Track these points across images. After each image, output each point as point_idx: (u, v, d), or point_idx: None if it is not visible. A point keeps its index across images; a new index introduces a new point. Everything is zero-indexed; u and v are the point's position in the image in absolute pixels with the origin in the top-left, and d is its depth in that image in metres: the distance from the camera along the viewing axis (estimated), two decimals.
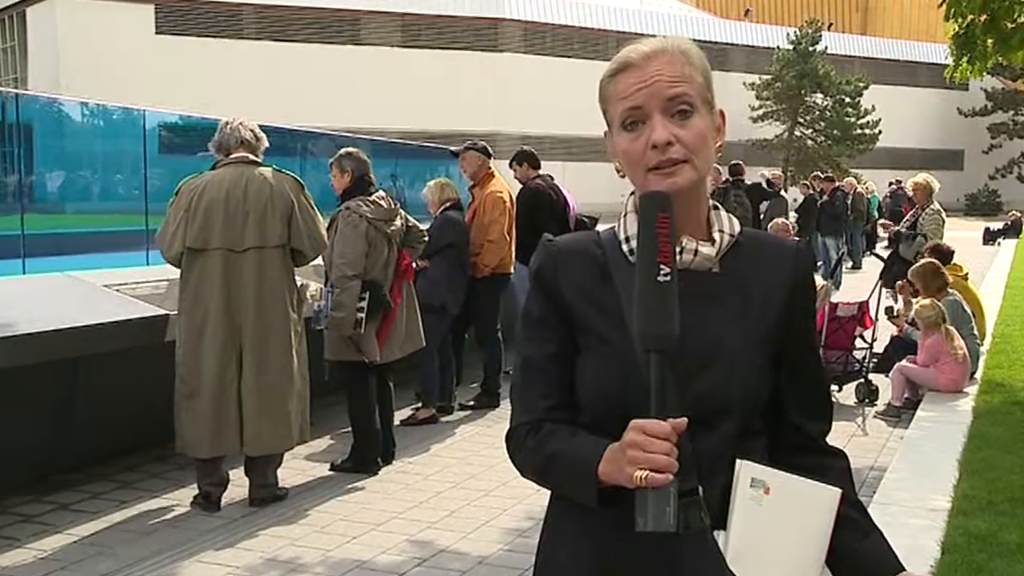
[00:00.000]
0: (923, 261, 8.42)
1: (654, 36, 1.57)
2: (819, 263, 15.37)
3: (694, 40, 1.56)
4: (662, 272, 1.34)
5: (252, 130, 5.36)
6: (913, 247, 9.62)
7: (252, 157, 5.30)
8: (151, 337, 5.59)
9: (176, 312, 5.30)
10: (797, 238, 15.26)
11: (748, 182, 13.88)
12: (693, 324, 1.42)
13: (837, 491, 1.45)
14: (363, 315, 5.80)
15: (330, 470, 6.05)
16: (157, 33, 40.65)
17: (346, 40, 44.24)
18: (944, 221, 9.92)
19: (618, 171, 1.58)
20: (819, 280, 10.49)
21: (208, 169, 5.31)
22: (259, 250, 5.15)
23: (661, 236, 1.35)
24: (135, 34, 39.23)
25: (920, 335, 7.72)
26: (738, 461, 1.44)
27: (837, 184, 18.01)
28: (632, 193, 1.58)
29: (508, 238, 7.69)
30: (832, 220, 16.57)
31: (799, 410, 1.61)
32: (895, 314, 8.61)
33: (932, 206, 9.84)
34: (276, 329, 5.21)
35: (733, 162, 13.02)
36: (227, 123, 5.34)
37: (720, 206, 1.59)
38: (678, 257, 1.45)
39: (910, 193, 10.66)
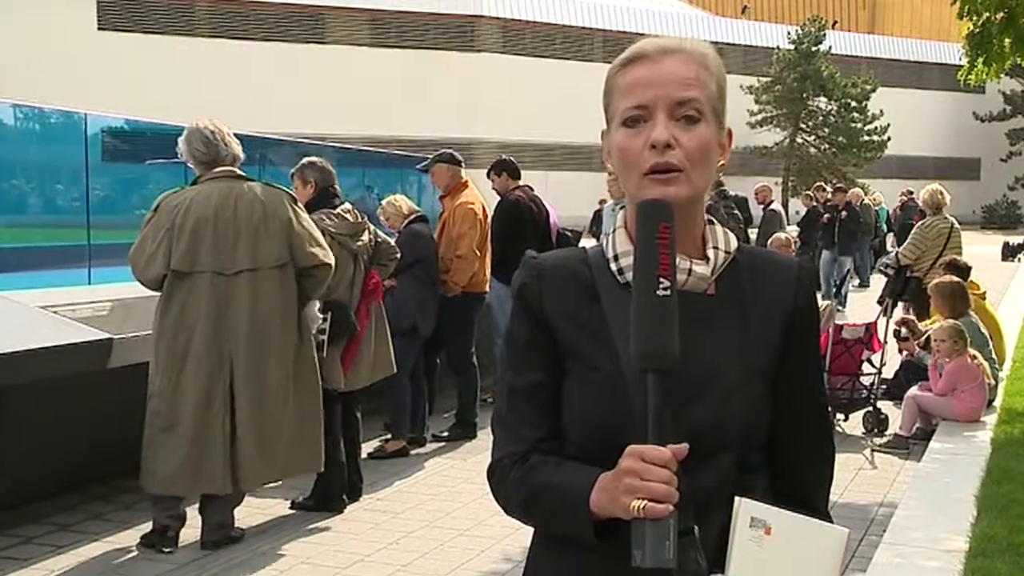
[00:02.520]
0: (946, 278, 8.40)
1: (644, 35, 1.59)
2: (825, 282, 15.39)
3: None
4: (662, 286, 1.35)
5: (238, 142, 5.37)
6: (882, 261, 9.74)
7: (239, 171, 5.28)
8: (93, 363, 5.54)
9: (151, 337, 5.24)
10: (808, 254, 15.40)
11: (732, 193, 13.84)
12: (687, 350, 1.42)
13: (844, 531, 1.45)
14: (324, 337, 5.79)
15: (291, 508, 6.01)
16: (100, 29, 40.55)
17: (309, 38, 44.28)
18: (929, 236, 9.69)
19: (610, 174, 1.60)
20: (821, 300, 10.58)
21: (189, 184, 5.28)
22: (253, 272, 5.12)
23: (661, 247, 1.36)
24: (75, 30, 39.11)
25: (935, 359, 7.68)
26: (737, 499, 1.45)
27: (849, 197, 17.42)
28: (622, 207, 1.59)
29: (479, 253, 7.70)
30: (849, 236, 16.33)
31: (796, 447, 1.61)
32: (903, 336, 8.64)
33: (926, 220, 9.82)
34: (274, 359, 5.18)
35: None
36: (212, 132, 5.26)
37: (715, 221, 1.60)
38: None
39: (922, 205, 10.70)
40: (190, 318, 5.05)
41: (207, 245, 5.05)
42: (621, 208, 1.62)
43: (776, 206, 16.83)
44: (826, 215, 16.48)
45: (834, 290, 14.07)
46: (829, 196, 17.73)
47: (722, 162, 1.56)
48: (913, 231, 9.90)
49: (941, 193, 9.86)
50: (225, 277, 5.08)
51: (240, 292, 5.10)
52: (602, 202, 21.14)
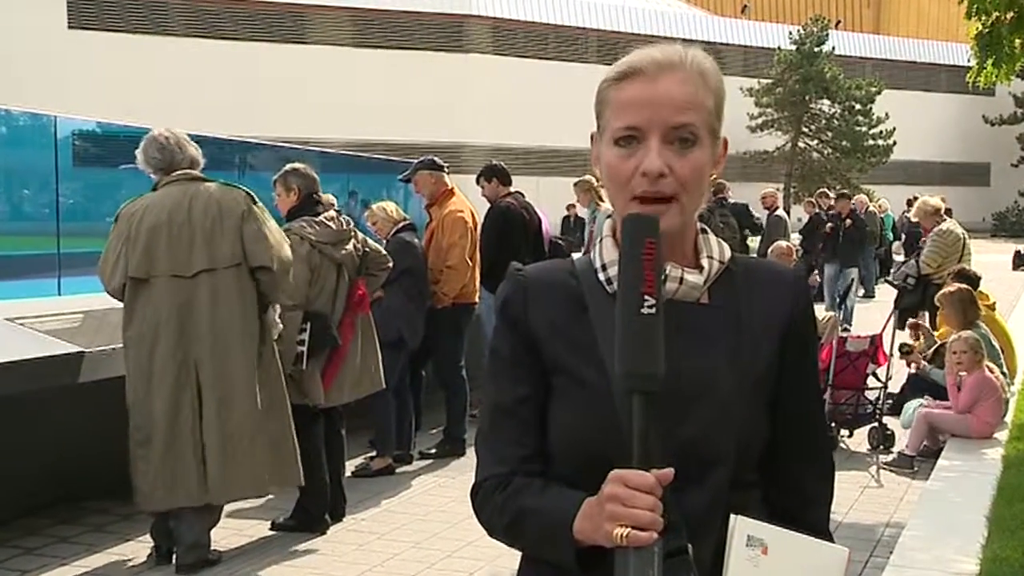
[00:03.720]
0: (954, 286, 8.41)
1: (640, 36, 1.60)
2: (831, 297, 15.08)
3: (686, 40, 1.59)
4: (647, 304, 1.35)
5: (196, 146, 5.44)
6: (902, 270, 9.76)
7: (195, 173, 5.35)
8: (63, 378, 5.54)
9: (120, 348, 5.28)
10: (810, 262, 15.38)
11: (731, 201, 13.81)
12: (679, 362, 1.43)
13: (845, 550, 1.46)
14: (303, 348, 5.81)
15: (271, 529, 6.00)
16: (70, 28, 40.45)
17: (289, 38, 44.26)
18: (948, 242, 9.81)
19: (597, 180, 1.61)
20: (824, 311, 10.60)
21: (149, 191, 5.34)
22: (210, 273, 5.19)
23: (646, 263, 1.36)
24: (44, 29, 39.03)
25: (954, 373, 7.57)
26: (732, 517, 1.45)
27: (854, 204, 16.76)
28: (609, 216, 1.60)
29: (470, 263, 7.71)
30: (853, 247, 15.52)
31: (794, 462, 1.62)
32: (908, 350, 8.65)
33: (940, 227, 9.90)
34: (238, 360, 5.23)
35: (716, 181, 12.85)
36: (166, 138, 5.34)
37: (708, 230, 1.61)
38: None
39: (921, 220, 10.69)
40: (151, 325, 5.11)
41: (162, 249, 5.13)
42: (608, 217, 1.63)
43: (781, 212, 16.81)
44: (828, 224, 15.81)
45: (837, 301, 14.04)
46: (832, 203, 17.57)
47: (714, 175, 1.57)
48: (931, 238, 9.91)
49: (931, 200, 10.01)
50: (183, 280, 5.15)
51: (200, 294, 5.17)
52: (570, 207, 21.19)
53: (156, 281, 5.13)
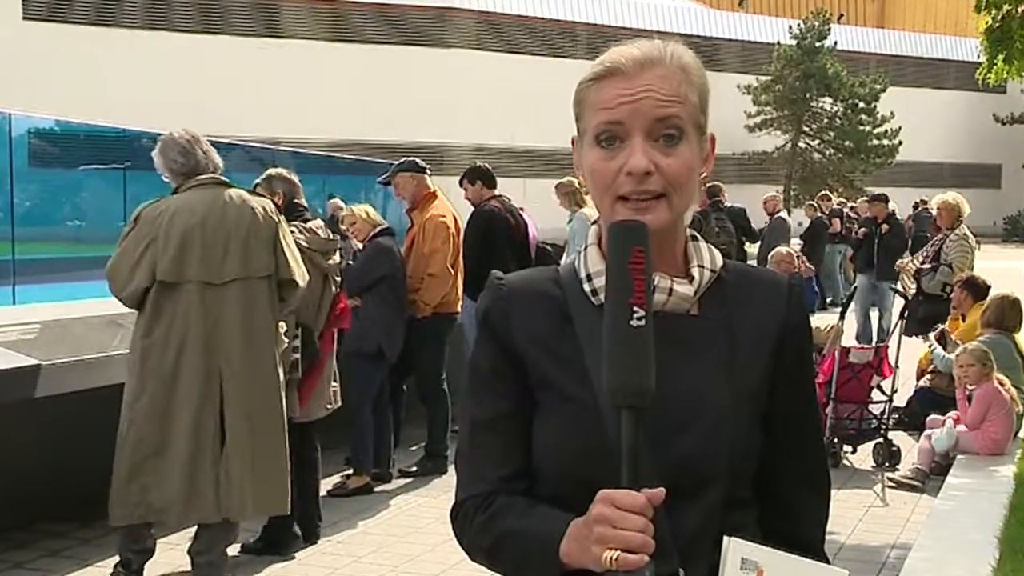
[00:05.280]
0: (1003, 292, 8.57)
1: (632, 30, 1.60)
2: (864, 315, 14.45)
3: (680, 35, 1.59)
4: (636, 315, 1.35)
5: (215, 150, 5.48)
6: (937, 279, 9.77)
7: (222, 178, 5.39)
8: (17, 392, 5.50)
9: (93, 363, 5.22)
10: (812, 268, 15.35)
11: (727, 204, 13.67)
12: (669, 376, 1.43)
13: (845, 573, 1.46)
14: (298, 356, 5.90)
15: (239, 552, 5.99)
16: (25, 19, 40.30)
17: (262, 32, 44.24)
18: (973, 248, 10.06)
19: (581, 187, 1.61)
20: (825, 319, 10.59)
21: (169, 194, 5.33)
22: (244, 281, 5.21)
23: (635, 273, 1.36)
24: None
25: (962, 387, 7.62)
26: (725, 538, 1.45)
27: (892, 209, 14.82)
28: (595, 222, 1.60)
29: (452, 271, 7.71)
30: (892, 256, 13.48)
31: (789, 479, 1.62)
32: (931, 367, 8.63)
33: (959, 230, 9.99)
34: (266, 372, 5.27)
35: (710, 183, 12.48)
36: (188, 140, 5.35)
37: (699, 236, 1.61)
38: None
39: (935, 214, 10.81)
40: (178, 333, 5.09)
41: (195, 254, 5.11)
42: (594, 223, 1.63)
43: (784, 214, 16.72)
44: (862, 229, 14.65)
45: (876, 328, 13.69)
46: (834, 206, 17.33)
47: (704, 174, 1.58)
48: (956, 241, 9.95)
49: (963, 202, 10.04)
50: (214, 287, 5.15)
51: (231, 303, 5.18)
52: None
53: (186, 287, 5.11)
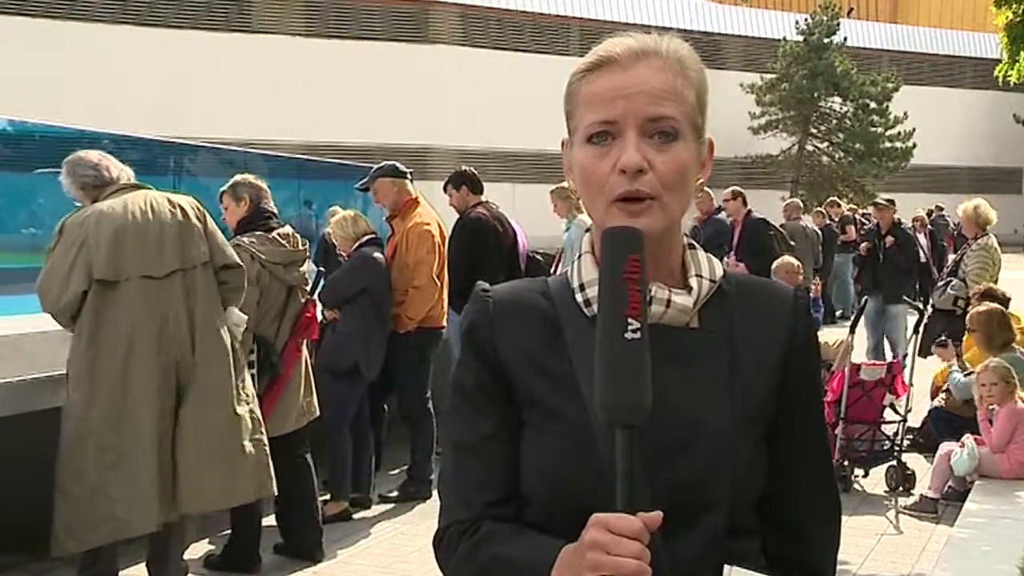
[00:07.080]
0: (985, 306, 8.45)
1: (628, 26, 1.61)
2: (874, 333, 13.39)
3: (679, 31, 1.60)
4: (631, 328, 1.36)
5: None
6: (948, 293, 9.72)
7: (138, 182, 5.51)
8: None
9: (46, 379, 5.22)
10: (818, 281, 15.35)
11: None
12: (666, 394, 1.44)
13: None
14: (254, 371, 5.93)
15: (204, 567, 6.00)
16: None
17: (232, 26, 44.23)
18: (997, 261, 9.98)
19: (572, 194, 1.62)
20: (834, 334, 10.58)
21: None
22: (183, 272, 5.33)
23: (630, 283, 1.37)
24: None
25: (984, 408, 7.53)
26: (726, 568, 1.46)
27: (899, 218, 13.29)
28: (588, 230, 1.61)
29: (438, 283, 7.70)
30: (899, 276, 12.37)
31: (796, 503, 1.62)
32: (943, 385, 8.60)
33: (982, 240, 9.96)
34: (216, 357, 5.36)
35: (732, 188, 11.88)
36: (98, 156, 5.48)
37: (697, 245, 1.62)
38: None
39: (955, 222, 10.78)
40: (124, 334, 5.15)
41: (131, 249, 5.20)
42: (587, 231, 1.64)
43: (806, 222, 16.55)
44: (863, 243, 13.17)
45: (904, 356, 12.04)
46: (868, 212, 16.35)
47: (701, 180, 1.59)
48: (976, 252, 9.92)
49: (989, 211, 9.99)
50: (156, 281, 5.24)
51: (175, 295, 5.29)
52: None
53: (126, 284, 5.18)
